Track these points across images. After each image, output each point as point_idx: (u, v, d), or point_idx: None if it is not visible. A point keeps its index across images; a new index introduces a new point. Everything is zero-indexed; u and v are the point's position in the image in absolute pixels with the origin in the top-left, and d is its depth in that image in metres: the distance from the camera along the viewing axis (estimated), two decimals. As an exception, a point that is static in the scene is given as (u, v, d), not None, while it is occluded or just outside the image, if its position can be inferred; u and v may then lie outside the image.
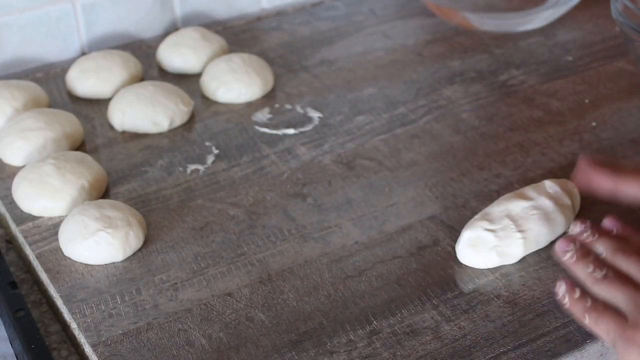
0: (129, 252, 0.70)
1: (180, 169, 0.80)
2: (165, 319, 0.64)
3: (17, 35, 0.95)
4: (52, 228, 0.73)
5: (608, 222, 0.62)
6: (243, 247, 0.70)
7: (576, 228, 0.61)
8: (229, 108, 0.89)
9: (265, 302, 0.65)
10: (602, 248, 0.59)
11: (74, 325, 0.64)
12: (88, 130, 0.86)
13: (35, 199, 0.74)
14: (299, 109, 0.88)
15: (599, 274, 0.57)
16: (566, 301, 0.58)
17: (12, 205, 0.76)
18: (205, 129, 0.86)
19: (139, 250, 0.71)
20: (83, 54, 1.00)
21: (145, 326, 0.63)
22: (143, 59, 0.97)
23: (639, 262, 0.57)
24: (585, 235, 0.60)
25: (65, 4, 0.97)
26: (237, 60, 0.91)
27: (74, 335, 0.65)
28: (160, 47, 0.96)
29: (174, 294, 0.66)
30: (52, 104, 0.89)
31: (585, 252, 0.59)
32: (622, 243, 0.59)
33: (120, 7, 1.00)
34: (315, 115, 0.87)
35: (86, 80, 0.90)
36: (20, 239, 0.73)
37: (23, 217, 0.74)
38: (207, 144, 0.83)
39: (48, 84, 0.93)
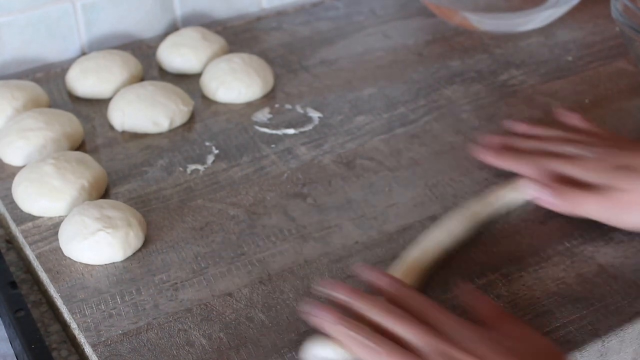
0: (129, 252, 0.70)
1: (180, 169, 0.80)
2: (165, 319, 0.64)
3: (17, 35, 0.95)
4: (52, 228, 0.73)
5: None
6: (243, 247, 0.70)
7: (338, 293, 0.59)
8: (229, 108, 0.89)
9: (265, 302, 0.65)
10: (372, 313, 0.57)
11: (74, 325, 0.65)
12: (88, 130, 0.86)
13: (35, 199, 0.74)
14: (299, 109, 0.88)
15: (379, 348, 0.55)
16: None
17: (12, 205, 0.76)
18: (205, 129, 0.86)
19: (139, 250, 0.71)
20: (83, 54, 1.00)
21: (145, 326, 0.63)
22: (143, 59, 0.97)
23: (415, 328, 0.56)
24: (351, 300, 0.58)
25: (65, 4, 0.97)
26: (237, 60, 0.91)
27: (74, 335, 0.65)
28: (160, 47, 0.96)
29: (174, 294, 0.66)
30: (52, 104, 0.89)
31: (353, 319, 0.57)
32: (392, 310, 0.57)
33: (120, 7, 1.00)
34: (315, 115, 0.87)
35: (86, 80, 0.90)
36: (20, 239, 0.73)
37: (23, 217, 0.74)
38: (207, 144, 0.83)
39: (48, 84, 0.93)
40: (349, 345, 0.56)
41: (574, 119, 0.79)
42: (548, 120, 0.85)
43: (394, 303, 0.58)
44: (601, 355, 0.62)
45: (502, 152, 0.75)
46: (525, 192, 0.71)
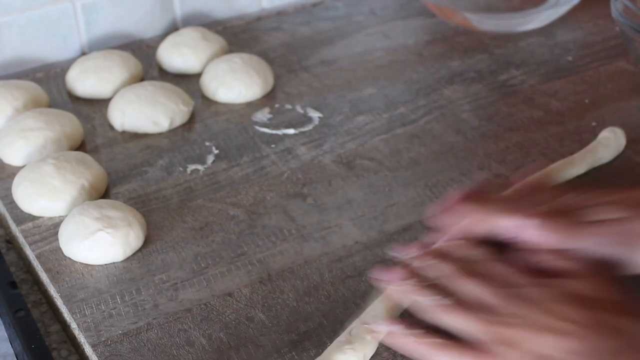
0: (129, 252, 0.70)
1: (180, 169, 0.80)
2: (165, 319, 0.64)
3: (17, 35, 0.95)
4: (52, 228, 0.73)
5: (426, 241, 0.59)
6: (243, 247, 0.70)
7: (401, 254, 0.57)
8: (229, 108, 0.89)
9: (265, 302, 0.65)
10: (442, 271, 0.55)
11: (74, 325, 0.64)
12: (88, 130, 0.86)
13: (35, 199, 0.74)
14: (299, 109, 0.88)
15: (447, 301, 0.53)
16: (402, 341, 0.54)
17: (12, 205, 0.76)
18: (205, 129, 0.86)
19: (139, 250, 0.71)
20: (83, 54, 1.00)
21: (145, 326, 0.63)
22: (143, 59, 0.97)
23: (487, 284, 0.54)
24: (416, 261, 0.56)
25: (65, 4, 0.97)
26: (237, 60, 0.91)
27: (74, 335, 0.65)
28: (160, 47, 0.96)
29: (174, 294, 0.66)
30: (52, 104, 0.89)
31: (422, 280, 0.55)
32: (460, 265, 0.55)
33: (120, 7, 1.00)
34: (315, 115, 0.87)
35: (86, 80, 0.90)
36: (20, 239, 0.73)
37: (23, 217, 0.74)
38: (207, 144, 0.83)
39: (48, 84, 0.93)
40: (417, 299, 0.54)
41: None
42: (548, 119, 0.85)
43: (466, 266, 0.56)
44: (601, 355, 0.62)
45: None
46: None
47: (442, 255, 0.57)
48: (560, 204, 0.60)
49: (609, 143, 0.79)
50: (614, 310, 0.52)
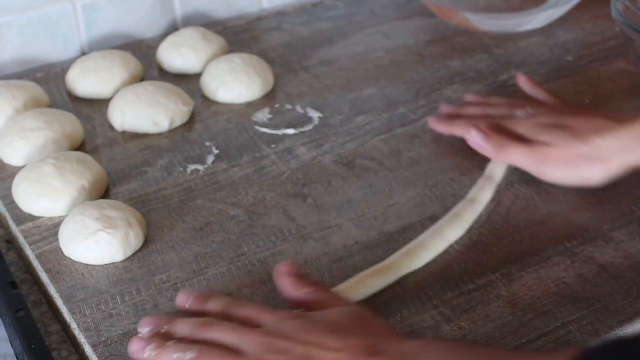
0: (129, 252, 0.70)
1: (180, 169, 0.80)
2: (165, 319, 0.64)
3: (17, 35, 0.95)
4: (52, 228, 0.73)
5: (179, 300, 0.62)
6: (243, 247, 0.70)
7: (145, 331, 0.58)
8: (229, 108, 0.89)
9: (265, 302, 0.65)
10: (181, 329, 0.58)
11: (74, 325, 0.64)
12: (88, 130, 0.86)
13: (35, 199, 0.74)
14: (299, 109, 0.88)
15: (190, 354, 0.55)
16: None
17: (12, 205, 0.76)
18: (205, 129, 0.86)
19: (139, 250, 0.71)
20: (83, 54, 1.00)
21: (145, 326, 0.63)
22: (143, 59, 0.97)
23: (229, 330, 0.56)
24: (163, 327, 0.58)
25: (65, 4, 0.97)
26: (237, 60, 0.91)
27: (74, 335, 0.65)
28: (160, 47, 0.96)
29: (174, 294, 0.66)
30: (52, 104, 0.89)
31: (162, 340, 0.57)
32: (199, 317, 0.58)
33: (120, 7, 1.00)
34: (315, 115, 0.87)
35: (86, 80, 0.90)
36: (20, 239, 0.73)
37: (23, 217, 0.74)
38: (207, 144, 0.83)
39: (48, 84, 0.93)
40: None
41: (525, 86, 0.85)
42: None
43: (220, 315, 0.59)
44: (601, 355, 0.62)
45: (451, 120, 0.82)
46: (467, 139, 0.77)
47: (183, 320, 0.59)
48: (511, 118, 0.77)
49: None
50: (365, 334, 0.56)
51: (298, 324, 0.56)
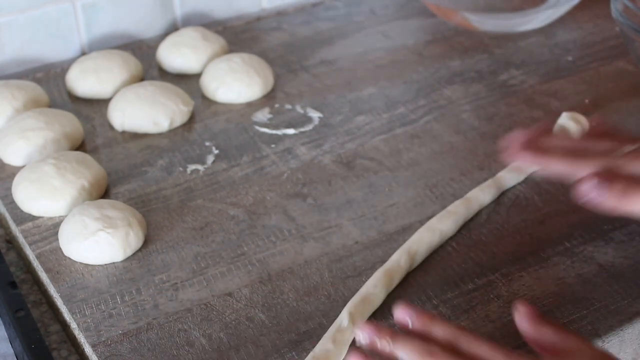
0: (129, 252, 0.70)
1: (180, 169, 0.80)
2: (165, 319, 0.64)
3: (17, 35, 0.95)
4: (52, 228, 0.73)
5: (400, 314, 0.55)
6: (243, 247, 0.70)
7: (363, 336, 0.53)
8: (229, 108, 0.89)
9: (265, 302, 0.65)
10: (405, 355, 0.52)
11: (74, 325, 0.65)
12: (88, 130, 0.86)
13: (35, 199, 0.74)
14: (299, 109, 0.88)
15: None
16: None
17: (12, 205, 0.76)
18: (205, 129, 0.86)
19: (139, 250, 0.71)
20: (83, 54, 1.00)
21: (145, 326, 0.63)
22: (143, 59, 0.97)
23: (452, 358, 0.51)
24: (379, 343, 0.53)
25: (65, 4, 0.97)
26: (237, 60, 0.91)
27: (74, 335, 0.65)
28: (160, 47, 0.96)
29: (174, 294, 0.66)
30: (52, 104, 0.89)
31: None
32: (426, 342, 0.52)
33: (120, 7, 1.00)
34: (315, 115, 0.87)
35: (86, 80, 0.90)
36: (20, 239, 0.73)
37: (23, 217, 0.74)
38: (207, 144, 0.83)
39: (48, 84, 0.93)
40: None
41: (599, 123, 0.67)
42: (547, 119, 0.85)
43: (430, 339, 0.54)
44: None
45: (542, 149, 0.62)
46: (580, 192, 0.58)
47: (403, 333, 0.54)
48: (617, 159, 0.59)
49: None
50: None
51: None
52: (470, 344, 0.52)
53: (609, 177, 0.57)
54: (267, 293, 0.66)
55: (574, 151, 0.62)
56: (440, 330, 0.53)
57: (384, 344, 0.52)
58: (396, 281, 0.66)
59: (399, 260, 0.67)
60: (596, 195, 0.57)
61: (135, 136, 0.85)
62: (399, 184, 0.77)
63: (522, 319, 0.55)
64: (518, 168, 0.75)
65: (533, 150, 0.62)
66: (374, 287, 0.64)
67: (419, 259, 0.68)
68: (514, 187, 0.76)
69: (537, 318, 0.55)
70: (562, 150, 0.61)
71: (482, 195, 0.74)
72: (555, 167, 0.61)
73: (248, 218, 0.74)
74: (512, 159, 0.63)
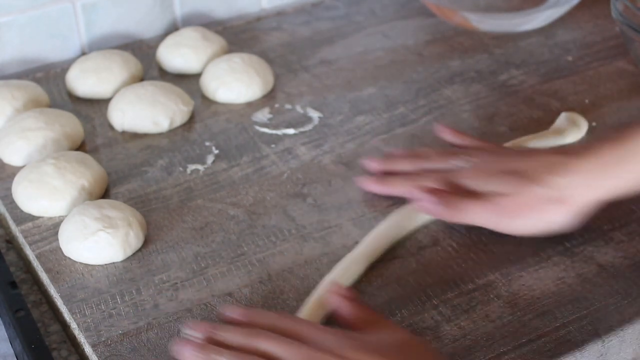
0: (129, 252, 0.70)
1: (180, 169, 0.80)
2: (165, 319, 0.64)
3: (17, 35, 0.95)
4: (52, 228, 0.73)
5: (224, 311, 0.61)
6: (243, 247, 0.70)
7: (194, 332, 0.58)
8: (229, 108, 0.89)
9: (265, 302, 0.65)
10: (232, 338, 0.56)
11: (74, 325, 0.64)
12: (88, 130, 0.86)
13: (35, 199, 0.74)
14: (299, 109, 0.88)
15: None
16: None
17: (12, 205, 0.76)
18: (205, 129, 0.86)
19: (139, 250, 0.71)
20: (83, 54, 1.00)
21: (145, 326, 0.63)
22: (143, 59, 0.97)
23: (279, 342, 0.55)
24: (211, 332, 0.57)
25: (65, 4, 0.97)
26: (237, 60, 0.91)
27: (74, 335, 0.65)
28: (160, 47, 0.96)
29: (174, 294, 0.66)
30: (52, 104, 0.89)
31: (214, 348, 0.56)
32: (253, 331, 0.57)
33: (120, 7, 1.00)
34: (315, 115, 0.87)
35: (86, 80, 0.90)
36: (20, 239, 0.73)
37: (23, 217, 0.74)
38: (207, 144, 0.83)
39: (48, 84, 0.93)
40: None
41: (450, 134, 0.78)
42: (548, 119, 0.85)
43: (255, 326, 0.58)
44: (601, 355, 0.62)
45: (386, 179, 0.74)
46: (415, 205, 0.70)
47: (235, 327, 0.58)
48: (449, 171, 0.70)
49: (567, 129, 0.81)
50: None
51: (346, 341, 0.56)
52: (287, 322, 0.58)
53: (436, 193, 0.68)
54: (267, 293, 0.66)
55: (411, 176, 0.73)
56: (261, 318, 0.59)
57: (214, 336, 0.57)
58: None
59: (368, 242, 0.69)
60: (428, 208, 0.68)
61: (135, 136, 0.85)
62: (399, 184, 0.77)
63: (338, 300, 0.61)
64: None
65: (379, 183, 0.74)
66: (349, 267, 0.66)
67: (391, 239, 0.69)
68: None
69: (351, 299, 0.61)
70: (401, 179, 0.73)
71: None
72: (398, 192, 0.72)
73: (248, 218, 0.74)
74: (364, 187, 0.75)
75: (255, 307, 0.63)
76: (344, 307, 0.61)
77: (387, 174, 0.75)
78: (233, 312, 0.60)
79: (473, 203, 0.67)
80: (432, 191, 0.68)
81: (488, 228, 0.68)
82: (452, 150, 0.75)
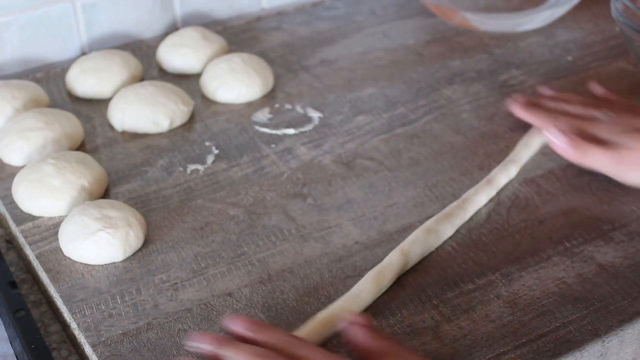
0: (129, 252, 0.70)
1: (180, 169, 0.80)
2: (165, 319, 0.64)
3: (17, 35, 0.95)
4: (52, 228, 0.73)
5: (229, 324, 0.59)
6: (243, 247, 0.70)
7: (202, 345, 0.57)
8: (229, 108, 0.89)
9: (265, 302, 0.65)
10: (238, 357, 0.55)
11: (74, 325, 0.65)
12: (88, 130, 0.86)
13: (35, 199, 0.74)
14: (299, 109, 0.88)
15: None
16: None
17: (12, 205, 0.76)
18: (205, 129, 0.86)
19: (139, 250, 0.71)
20: (83, 54, 1.00)
21: (145, 326, 0.63)
22: (143, 59, 0.97)
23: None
24: (218, 348, 0.56)
25: (65, 4, 0.97)
26: (237, 60, 0.91)
27: (74, 335, 0.65)
28: (160, 47, 0.96)
29: (174, 294, 0.66)
30: (52, 104, 0.89)
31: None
32: (255, 346, 0.56)
33: (120, 7, 1.00)
34: (315, 115, 0.87)
35: (86, 80, 0.90)
36: (20, 239, 0.73)
37: (23, 217, 0.74)
38: (207, 144, 0.83)
39: (48, 84, 0.93)
40: None
41: (600, 90, 0.85)
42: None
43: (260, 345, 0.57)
44: (601, 355, 0.62)
45: (530, 107, 0.81)
46: (545, 137, 0.75)
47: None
48: (590, 119, 0.77)
49: None
50: None
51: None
52: (299, 349, 0.56)
53: (572, 134, 0.73)
54: (267, 293, 0.66)
55: (555, 110, 0.80)
56: (271, 337, 0.57)
57: (221, 353, 0.55)
58: (388, 281, 0.65)
59: (391, 259, 0.67)
60: (561, 146, 0.73)
61: (135, 136, 0.85)
62: (399, 184, 0.77)
63: (356, 329, 0.58)
64: (512, 162, 0.78)
65: (527, 107, 0.81)
66: (360, 292, 0.64)
67: (414, 258, 0.68)
68: (514, 187, 0.76)
69: (371, 329, 0.58)
70: (544, 113, 0.80)
71: (476, 196, 0.73)
72: (537, 123, 0.80)
73: (248, 218, 0.74)
74: (510, 107, 0.82)
75: (262, 322, 0.61)
76: (360, 337, 0.58)
77: (532, 105, 0.82)
78: (237, 325, 0.58)
79: (600, 151, 0.73)
80: (565, 132, 0.74)
81: (606, 174, 0.73)
82: (595, 101, 0.81)
